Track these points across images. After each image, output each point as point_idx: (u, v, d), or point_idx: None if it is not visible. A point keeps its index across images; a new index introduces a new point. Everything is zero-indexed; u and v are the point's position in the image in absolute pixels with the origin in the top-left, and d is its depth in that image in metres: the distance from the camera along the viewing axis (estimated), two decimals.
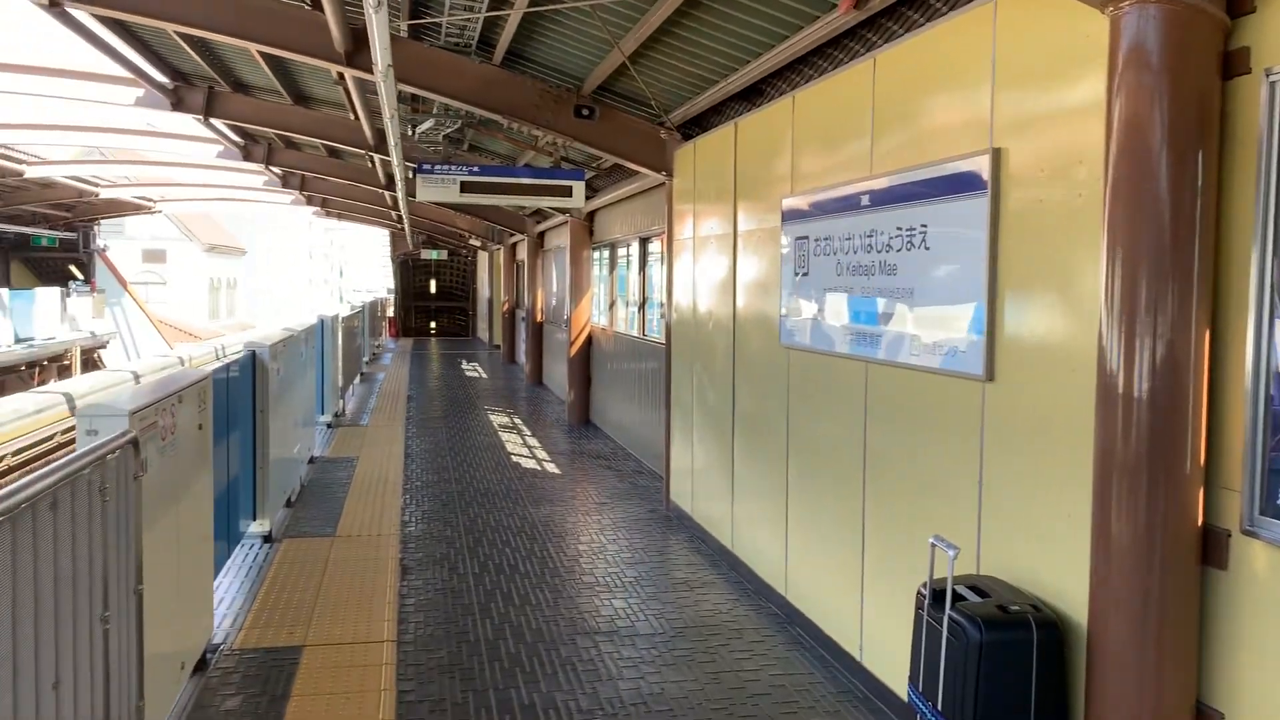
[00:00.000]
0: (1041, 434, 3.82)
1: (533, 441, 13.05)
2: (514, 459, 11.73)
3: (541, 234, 19.80)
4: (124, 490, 3.89)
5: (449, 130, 11.22)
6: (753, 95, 7.30)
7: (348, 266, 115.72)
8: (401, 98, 10.54)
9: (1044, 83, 3.82)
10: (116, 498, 3.79)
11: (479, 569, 7.25)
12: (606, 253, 14.15)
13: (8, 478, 16.06)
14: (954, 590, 3.72)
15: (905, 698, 4.38)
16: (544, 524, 8.61)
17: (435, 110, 10.85)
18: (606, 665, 5.44)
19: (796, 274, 6.01)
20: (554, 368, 18.58)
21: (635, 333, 12.24)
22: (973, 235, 4.18)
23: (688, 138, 8.58)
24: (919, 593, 3.92)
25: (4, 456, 16.30)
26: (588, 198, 11.99)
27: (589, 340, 14.77)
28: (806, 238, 5.84)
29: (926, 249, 4.54)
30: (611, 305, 13.80)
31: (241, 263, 65.13)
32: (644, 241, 11.89)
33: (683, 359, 8.73)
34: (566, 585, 6.88)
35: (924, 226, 4.56)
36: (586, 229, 14.75)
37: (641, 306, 11.98)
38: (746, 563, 7.02)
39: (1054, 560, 3.73)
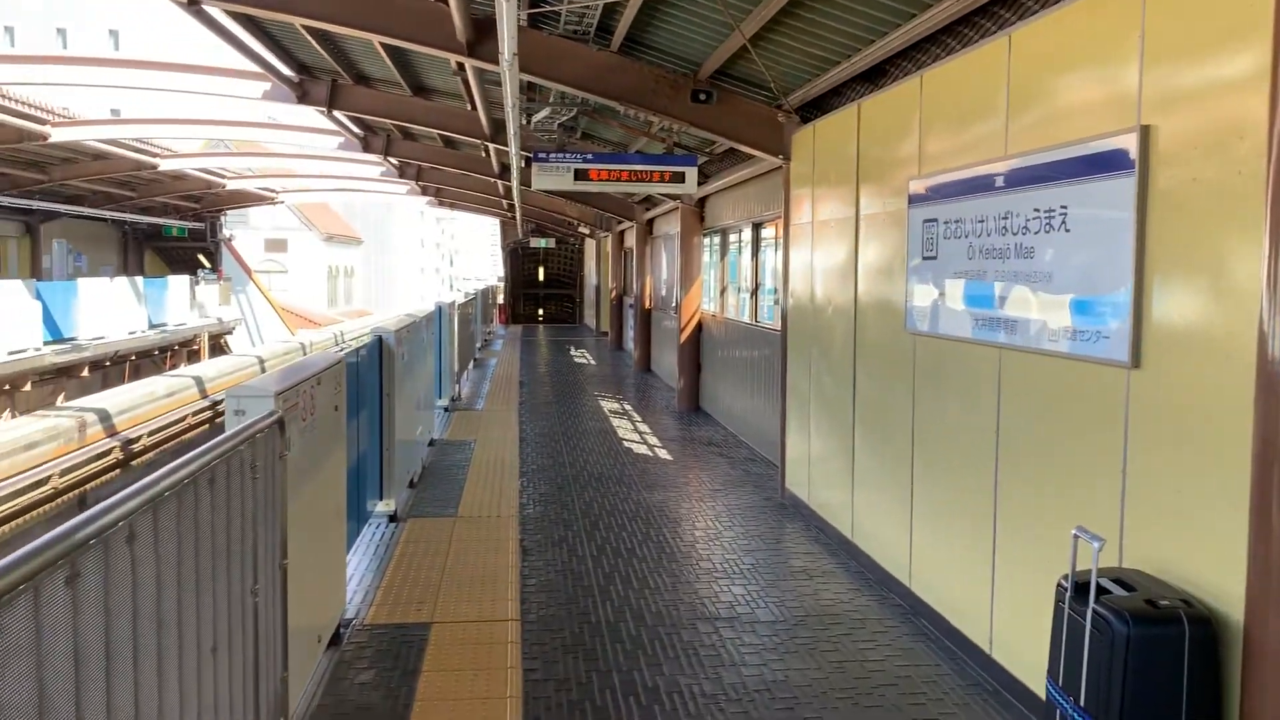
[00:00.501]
0: (1192, 423, 3.66)
1: (643, 427, 13.11)
2: (625, 444, 11.81)
3: (651, 221, 19.84)
4: (271, 468, 4.04)
5: (564, 118, 11.32)
6: (876, 76, 7.17)
7: (458, 255, 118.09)
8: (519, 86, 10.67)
9: (1198, 56, 3.64)
10: (265, 475, 3.94)
11: (597, 552, 7.33)
12: (718, 238, 14.10)
13: (144, 458, 16.90)
14: (1098, 583, 3.59)
15: (1041, 693, 4.27)
16: (659, 509, 8.65)
17: (551, 98, 10.96)
18: (728, 651, 5.44)
19: (924, 258, 5.88)
20: (662, 354, 18.63)
21: (747, 319, 12.17)
22: (1118, 216, 4.03)
23: (806, 120, 8.48)
24: (1059, 585, 3.80)
25: (140, 437, 17.14)
26: (700, 183, 11.95)
27: (699, 327, 14.76)
28: (935, 220, 5.71)
29: (1066, 231, 4.39)
30: (722, 291, 13.75)
31: (358, 251, 67.07)
32: (757, 227, 11.81)
33: (799, 345, 8.65)
34: (684, 570, 6.91)
35: (1064, 208, 4.41)
36: (697, 215, 14.73)
37: (754, 292, 11.90)
38: (868, 552, 6.93)
39: (1207, 554, 3.57)
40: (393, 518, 8.00)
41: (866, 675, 5.14)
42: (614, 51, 8.85)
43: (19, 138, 17.41)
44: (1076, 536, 3.64)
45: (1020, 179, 4.78)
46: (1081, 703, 3.57)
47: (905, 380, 6.21)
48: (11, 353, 18.59)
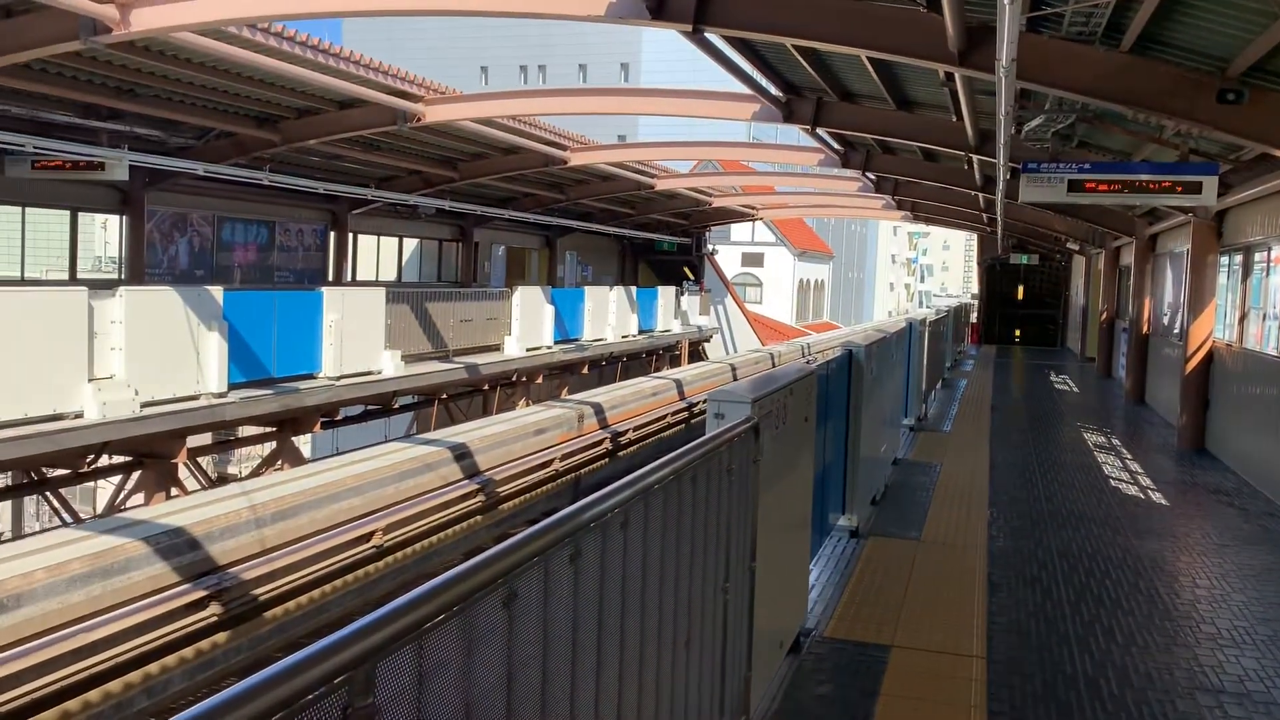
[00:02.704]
0: None
1: (1134, 466, 11.83)
2: (1112, 483, 10.72)
3: (1154, 236, 17.91)
4: (745, 471, 4.16)
5: (1059, 126, 10.54)
6: None
7: (928, 271, 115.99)
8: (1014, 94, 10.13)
9: None
10: (739, 478, 4.06)
11: (1074, 597, 6.70)
12: (1238, 258, 12.34)
13: (627, 450, 18.49)
14: None
15: None
16: (1150, 559, 7.72)
17: (1047, 105, 10.27)
18: None
19: None
20: (1160, 385, 16.72)
21: (1274, 351, 10.51)
22: None
23: None
24: None
25: (626, 431, 18.76)
26: (1219, 194, 10.52)
27: (1208, 357, 13.01)
28: None
29: None
30: (1241, 318, 12.01)
31: (827, 266, 68.30)
32: None
33: None
34: (1181, 632, 6.08)
35: None
36: (1213, 230, 13.00)
37: None
38: None
39: None
40: (854, 533, 7.95)
41: None
42: (1124, 51, 8.05)
43: (544, 162, 19.87)
44: None
45: None
46: None
47: None
48: (529, 349, 21.30)
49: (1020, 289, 34.93)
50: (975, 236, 36.14)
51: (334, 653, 1.52)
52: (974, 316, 36.21)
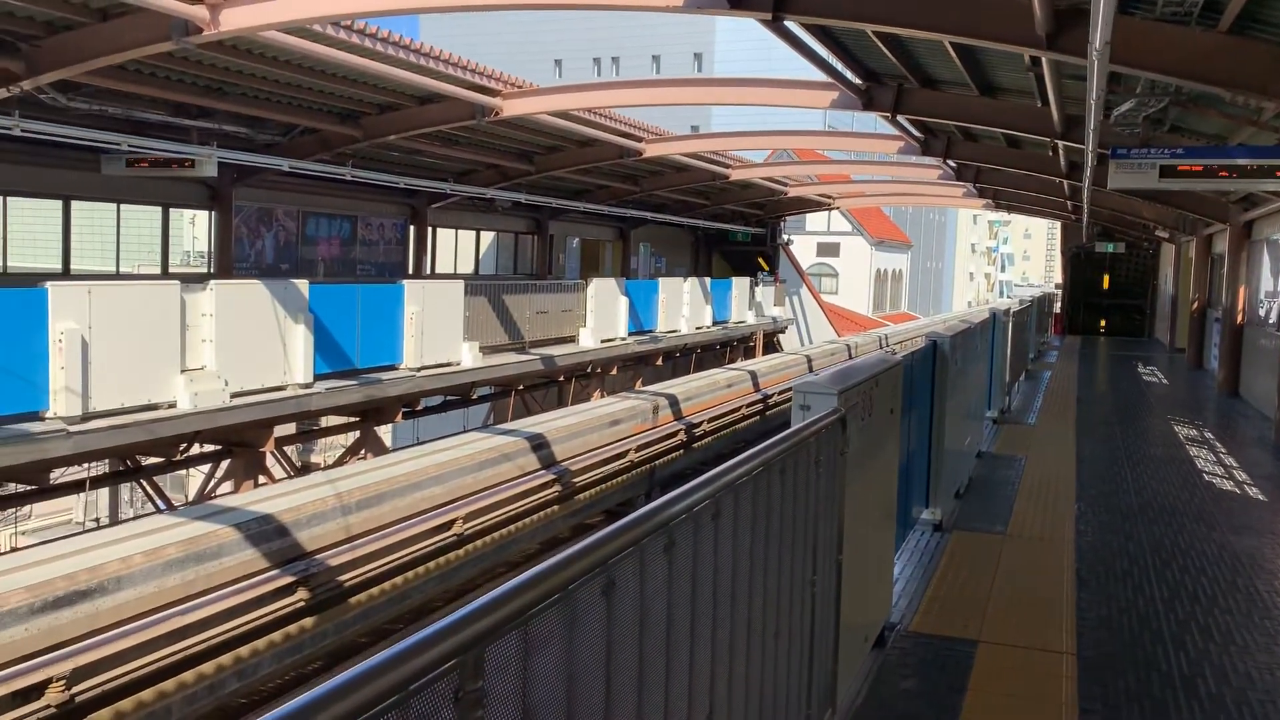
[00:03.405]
0: None
1: (1229, 460, 11.44)
2: (1205, 477, 10.39)
3: (1249, 223, 17.28)
4: (832, 463, 4.12)
5: (1151, 110, 10.23)
6: None
7: (1009, 260, 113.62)
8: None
9: None
10: (826, 470, 4.03)
11: (1168, 594, 6.51)
12: None
13: (702, 442, 18.47)
14: None
15: None
16: (1248, 556, 7.47)
17: (1139, 89, 9.96)
18: None
19: None
20: (1256, 377, 16.13)
21: None
22: None
23: None
24: None
25: (701, 423, 18.73)
26: None
27: None
28: None
29: None
30: None
31: (905, 255, 67.31)
32: None
33: None
34: None
35: None
36: None
37: None
38: None
39: None
40: (938, 527, 7.83)
41: None
42: (1221, 32, 7.78)
43: (619, 154, 19.91)
44: None
45: None
46: None
47: None
48: (603, 341, 21.40)
49: (1106, 278, 33.91)
50: (1058, 225, 35.24)
51: (445, 637, 1.55)
52: (1057, 306, 35.32)
